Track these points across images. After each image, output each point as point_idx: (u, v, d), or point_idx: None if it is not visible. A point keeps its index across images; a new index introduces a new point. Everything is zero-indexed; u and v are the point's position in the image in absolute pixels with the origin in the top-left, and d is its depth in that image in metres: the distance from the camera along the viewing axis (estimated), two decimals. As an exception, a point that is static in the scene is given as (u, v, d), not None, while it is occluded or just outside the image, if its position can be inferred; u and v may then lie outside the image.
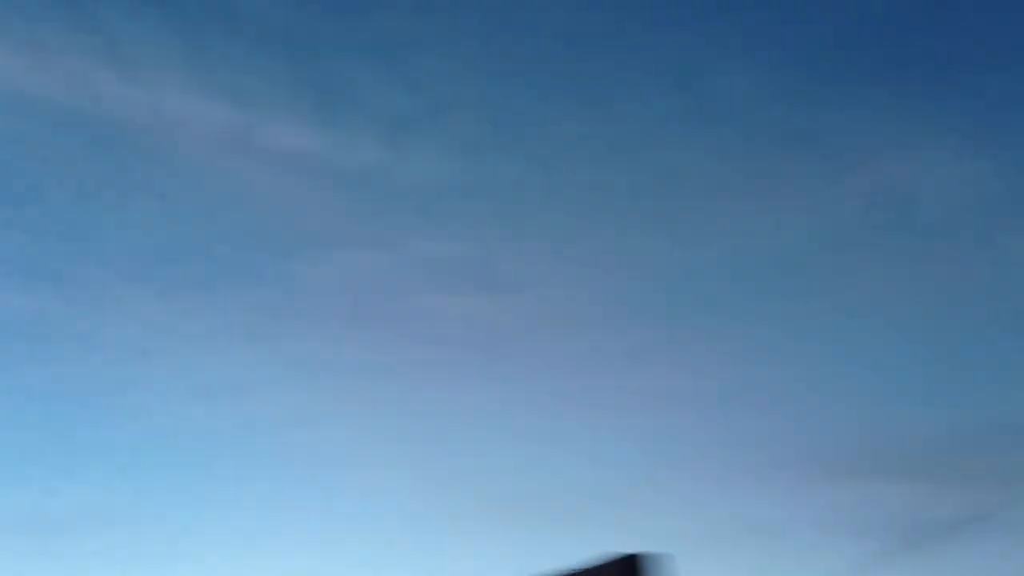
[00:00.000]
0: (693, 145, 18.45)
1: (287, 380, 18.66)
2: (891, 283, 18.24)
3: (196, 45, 18.24)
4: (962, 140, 17.94)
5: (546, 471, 17.58)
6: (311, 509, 17.71)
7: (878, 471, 17.00)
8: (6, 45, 18.33)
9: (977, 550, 14.63)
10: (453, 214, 18.93)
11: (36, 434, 18.70)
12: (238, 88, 18.32)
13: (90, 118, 18.52)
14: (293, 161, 18.51)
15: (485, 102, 18.81)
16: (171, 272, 19.16)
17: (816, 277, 18.55)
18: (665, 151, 18.65)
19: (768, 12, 18.18)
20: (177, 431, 18.27)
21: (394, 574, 16.19)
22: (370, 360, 18.88)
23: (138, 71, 17.97)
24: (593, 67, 18.60)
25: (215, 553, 17.37)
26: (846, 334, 18.29)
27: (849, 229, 18.46)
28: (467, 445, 18.23)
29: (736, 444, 17.48)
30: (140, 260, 19.32)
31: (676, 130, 18.52)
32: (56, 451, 19.32)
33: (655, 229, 18.97)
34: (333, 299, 19.13)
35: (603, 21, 18.48)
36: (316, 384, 18.68)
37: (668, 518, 16.07)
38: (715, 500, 16.65)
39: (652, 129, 18.61)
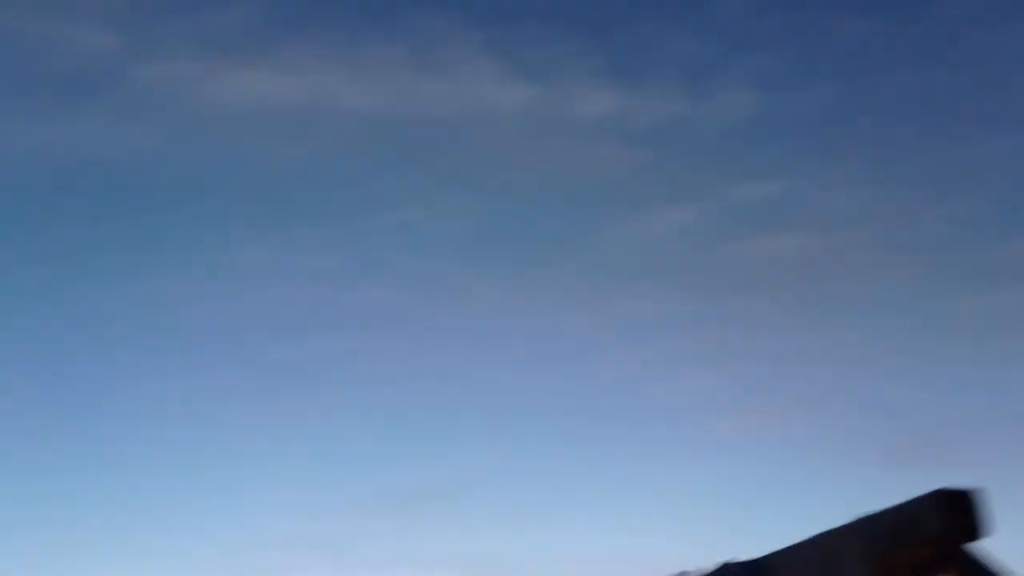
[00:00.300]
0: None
1: (622, 343, 18.51)
2: None
3: (493, 32, 18.60)
4: None
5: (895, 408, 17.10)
6: (673, 461, 17.53)
7: None
8: (324, 61, 19.05)
9: None
10: (762, 154, 18.56)
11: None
12: (536, 65, 18.56)
13: (405, 120, 18.86)
14: (597, 126, 18.60)
15: (783, 36, 18.66)
16: (497, 252, 19.32)
17: None
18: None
19: None
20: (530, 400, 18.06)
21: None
22: (701, 312, 18.56)
23: (445, 68, 18.60)
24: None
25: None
26: None
27: None
28: (814, 386, 17.74)
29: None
30: (465, 246, 19.47)
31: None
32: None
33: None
34: (654, 257, 18.85)
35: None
36: (651, 342, 18.42)
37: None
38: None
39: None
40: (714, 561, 5.05)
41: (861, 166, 18.66)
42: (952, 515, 4.17)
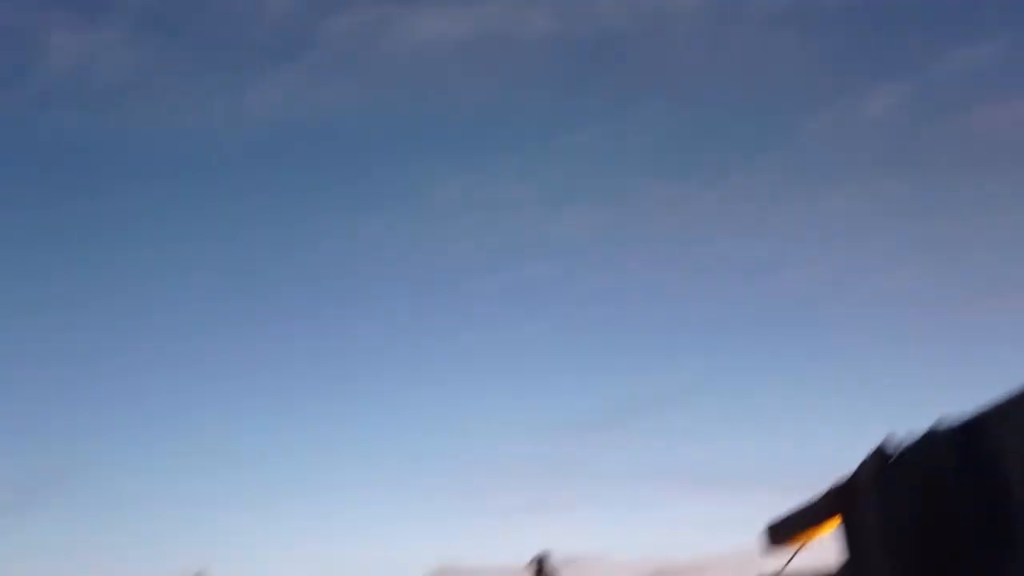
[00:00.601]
0: None
1: (834, 238, 17.91)
2: None
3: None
4: None
5: None
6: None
7: None
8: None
9: None
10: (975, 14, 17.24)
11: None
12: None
13: (584, 38, 18.91)
14: (779, 17, 18.28)
15: None
16: (693, 161, 18.85)
17: None
18: None
19: None
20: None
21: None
22: (919, 198, 17.63)
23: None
24: None
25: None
26: None
27: None
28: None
29: None
30: (660, 157, 19.21)
31: None
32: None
33: None
34: (859, 145, 18.26)
35: None
36: (863, 237, 17.76)
37: None
38: None
39: None
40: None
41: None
42: None
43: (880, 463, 4.58)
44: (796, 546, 5.66)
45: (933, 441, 4.34)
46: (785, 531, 5.63)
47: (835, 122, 18.02)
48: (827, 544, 5.25)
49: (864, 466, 4.68)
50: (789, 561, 5.80)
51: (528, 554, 17.70)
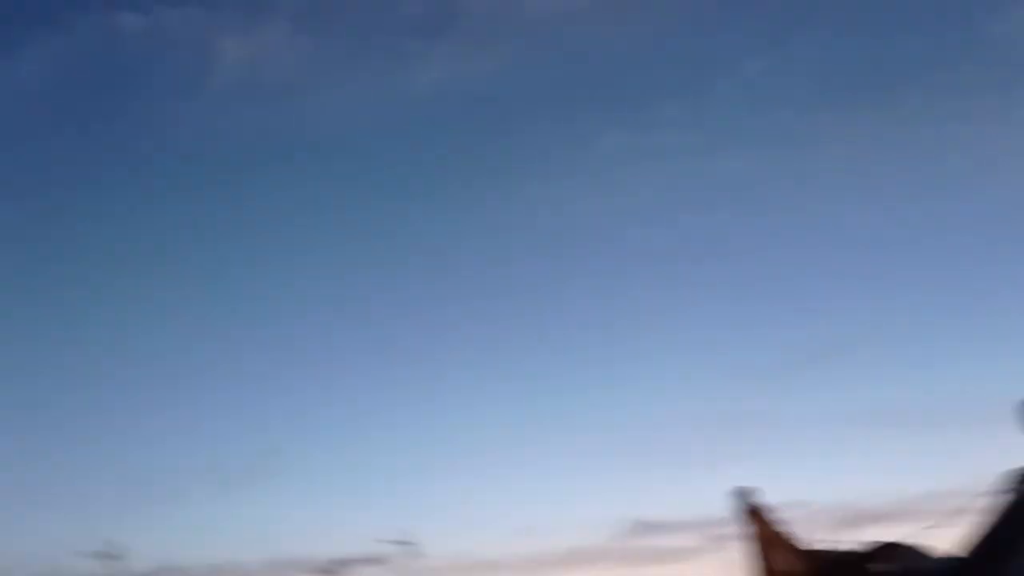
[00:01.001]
0: None
1: None
2: None
3: None
4: None
5: None
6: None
7: None
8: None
9: None
10: None
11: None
12: None
13: None
14: None
15: None
16: (857, 89, 18.79)
17: None
18: None
19: None
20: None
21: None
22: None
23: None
24: None
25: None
26: None
27: None
28: None
29: None
30: (821, 89, 18.95)
31: None
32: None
33: None
34: None
35: None
36: None
37: None
38: None
39: None
40: None
41: None
42: None
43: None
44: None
45: None
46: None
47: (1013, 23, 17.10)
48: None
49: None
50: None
51: (723, 504, 17.81)
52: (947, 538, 15.45)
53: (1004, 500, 13.85)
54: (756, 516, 18.02)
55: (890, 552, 17.17)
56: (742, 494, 18.20)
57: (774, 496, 17.81)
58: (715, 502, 18.11)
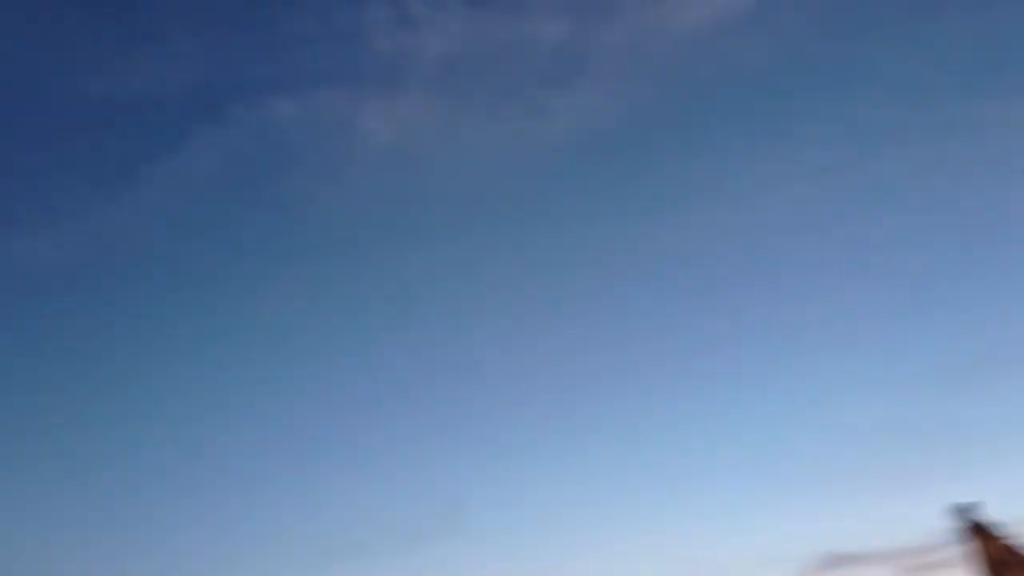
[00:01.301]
0: None
1: None
2: None
3: None
4: None
5: None
6: None
7: None
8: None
9: None
10: None
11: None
12: None
13: None
14: None
15: None
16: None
17: None
18: None
19: None
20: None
21: None
22: None
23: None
24: None
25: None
26: None
27: None
28: None
29: None
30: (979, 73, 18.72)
31: None
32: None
33: None
34: None
35: None
36: None
37: None
38: None
39: None
40: None
41: None
42: None
43: None
44: None
45: None
46: None
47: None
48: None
49: None
50: None
51: (923, 530, 16.39)
52: None
53: None
54: (982, 534, 16.48)
55: None
56: (963, 511, 16.69)
57: (997, 512, 16.36)
58: (911, 530, 16.74)
